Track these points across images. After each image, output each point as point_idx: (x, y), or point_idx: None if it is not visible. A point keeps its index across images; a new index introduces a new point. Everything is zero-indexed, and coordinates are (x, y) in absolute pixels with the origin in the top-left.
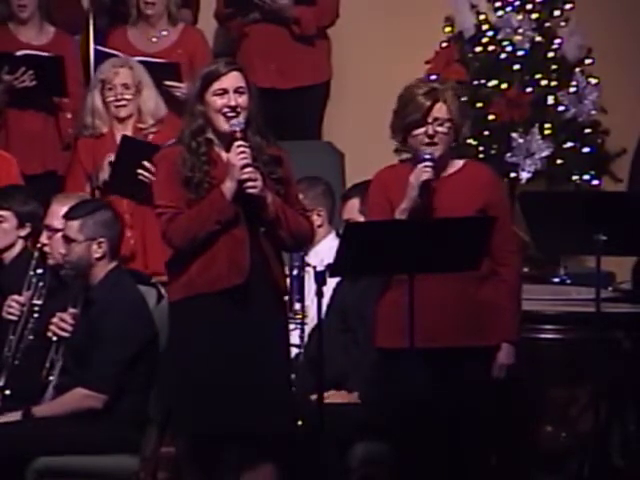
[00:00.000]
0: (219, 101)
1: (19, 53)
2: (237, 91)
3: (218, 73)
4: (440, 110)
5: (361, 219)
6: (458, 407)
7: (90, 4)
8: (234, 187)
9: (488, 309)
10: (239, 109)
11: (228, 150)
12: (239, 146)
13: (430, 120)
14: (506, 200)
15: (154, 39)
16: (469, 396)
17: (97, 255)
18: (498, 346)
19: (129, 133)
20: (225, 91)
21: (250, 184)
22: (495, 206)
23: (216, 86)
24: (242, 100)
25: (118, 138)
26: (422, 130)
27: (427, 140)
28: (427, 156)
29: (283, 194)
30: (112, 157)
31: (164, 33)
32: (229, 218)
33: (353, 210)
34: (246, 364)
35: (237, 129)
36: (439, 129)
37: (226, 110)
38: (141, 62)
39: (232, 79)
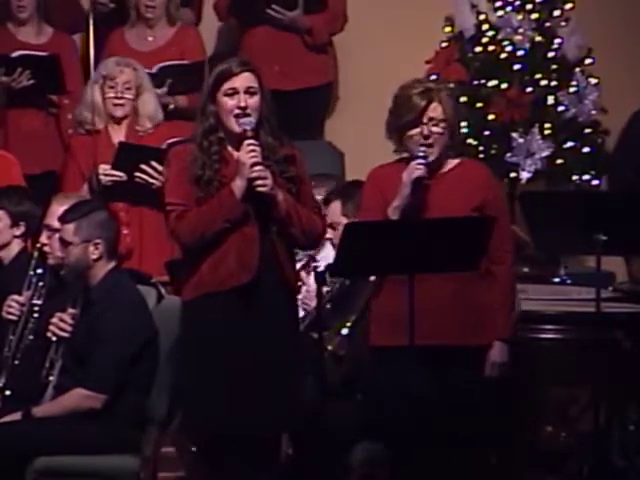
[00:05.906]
0: (229, 102)
1: (15, 54)
2: (248, 92)
3: (230, 73)
4: (435, 110)
5: (344, 221)
6: (454, 406)
7: (91, 5)
8: (244, 185)
9: (483, 308)
10: (249, 110)
11: (239, 149)
12: (249, 144)
13: (425, 120)
14: (503, 199)
15: (150, 38)
16: (465, 395)
17: (94, 256)
18: (491, 344)
19: (124, 133)
20: (236, 91)
21: (260, 182)
22: (492, 204)
23: (227, 86)
24: (253, 101)
25: (113, 137)
26: (417, 130)
27: (422, 141)
28: (421, 154)
29: (295, 192)
30: (106, 167)
31: (160, 33)
32: (238, 216)
33: (335, 213)
34: (257, 362)
35: (247, 128)
36: (434, 129)
37: (236, 111)
38: (166, 66)
39: (243, 79)
